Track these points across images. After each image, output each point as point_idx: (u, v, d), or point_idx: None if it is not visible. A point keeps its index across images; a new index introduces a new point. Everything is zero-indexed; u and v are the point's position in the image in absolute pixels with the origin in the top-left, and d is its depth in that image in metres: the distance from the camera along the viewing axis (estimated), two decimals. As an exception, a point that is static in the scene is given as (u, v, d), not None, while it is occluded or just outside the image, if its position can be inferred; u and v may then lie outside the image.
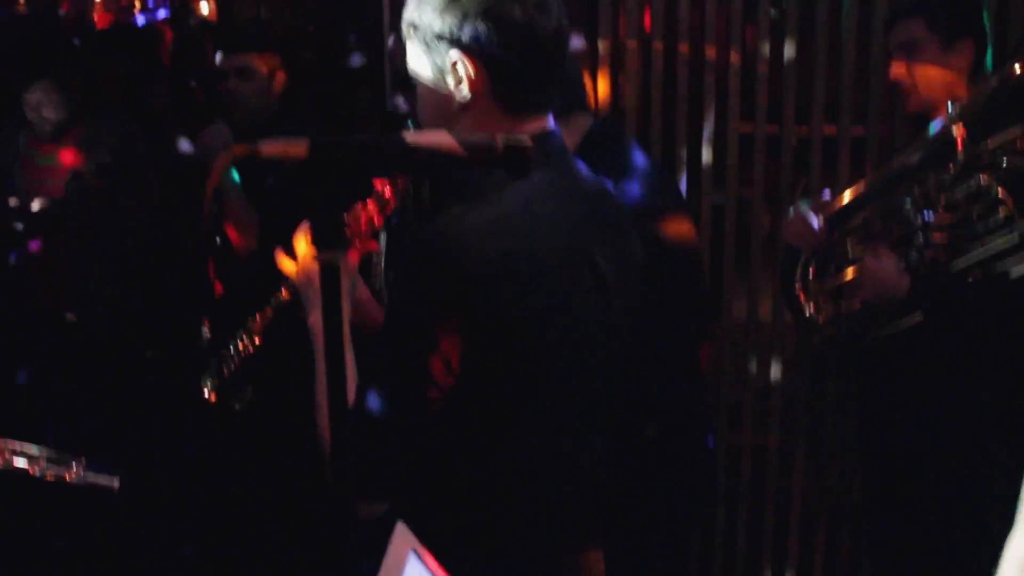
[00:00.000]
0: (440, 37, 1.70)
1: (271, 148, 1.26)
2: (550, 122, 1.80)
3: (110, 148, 4.24)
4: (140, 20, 12.53)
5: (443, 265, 1.60)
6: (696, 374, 2.62)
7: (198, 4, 11.88)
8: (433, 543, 1.39)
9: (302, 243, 1.98)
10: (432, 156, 1.29)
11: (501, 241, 1.62)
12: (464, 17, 1.68)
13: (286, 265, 2.01)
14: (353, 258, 2.00)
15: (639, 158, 2.53)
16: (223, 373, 2.26)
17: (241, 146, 1.26)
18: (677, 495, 2.58)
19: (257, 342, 2.21)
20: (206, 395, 2.29)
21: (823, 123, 3.91)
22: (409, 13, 1.76)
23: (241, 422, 2.51)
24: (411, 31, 1.76)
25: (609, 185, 1.93)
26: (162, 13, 12.60)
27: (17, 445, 1.52)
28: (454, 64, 1.71)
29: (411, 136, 1.34)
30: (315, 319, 1.92)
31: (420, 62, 1.76)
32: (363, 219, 1.99)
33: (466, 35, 1.68)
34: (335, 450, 1.69)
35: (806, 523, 4.19)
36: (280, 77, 3.87)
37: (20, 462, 1.50)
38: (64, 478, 1.53)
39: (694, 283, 2.60)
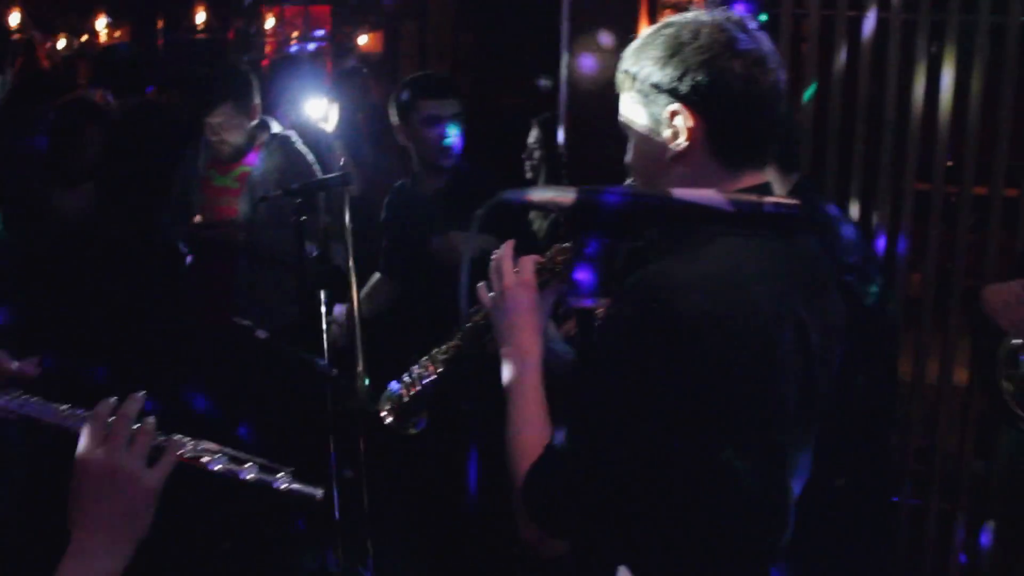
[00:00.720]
0: (659, 88, 1.69)
1: (540, 196, 1.27)
2: (766, 177, 1.78)
3: (278, 173, 4.36)
4: (294, 49, 13.03)
5: (652, 315, 1.58)
6: (887, 430, 2.56)
7: (356, 37, 12.27)
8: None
9: (499, 277, 1.99)
10: (698, 212, 1.28)
11: (710, 295, 1.59)
12: (685, 70, 1.67)
13: (482, 297, 2.02)
14: (549, 298, 2.00)
15: (835, 212, 2.50)
16: (402, 397, 2.28)
17: (511, 191, 1.28)
18: (861, 546, 2.52)
19: (440, 369, 2.23)
20: (383, 417, 2.31)
21: (1003, 184, 3.79)
22: (627, 63, 1.76)
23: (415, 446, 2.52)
24: (628, 81, 1.76)
25: (815, 244, 1.90)
26: (311, 46, 13.09)
27: (230, 450, 1.56)
28: (672, 115, 1.70)
29: (681, 192, 1.33)
30: (507, 354, 1.92)
31: (635, 111, 1.75)
32: (560, 259, 2.00)
33: (685, 87, 1.67)
34: (530, 484, 1.71)
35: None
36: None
37: (232, 466, 1.55)
38: (270, 485, 1.56)
39: (889, 340, 2.54)
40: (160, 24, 10.58)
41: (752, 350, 1.62)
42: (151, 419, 1.50)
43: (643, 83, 1.72)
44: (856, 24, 3.83)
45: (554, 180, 4.22)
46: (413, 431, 2.34)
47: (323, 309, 3.45)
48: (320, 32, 13.04)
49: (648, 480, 1.63)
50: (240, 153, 4.43)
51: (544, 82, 5.91)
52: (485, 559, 3.42)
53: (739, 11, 1.77)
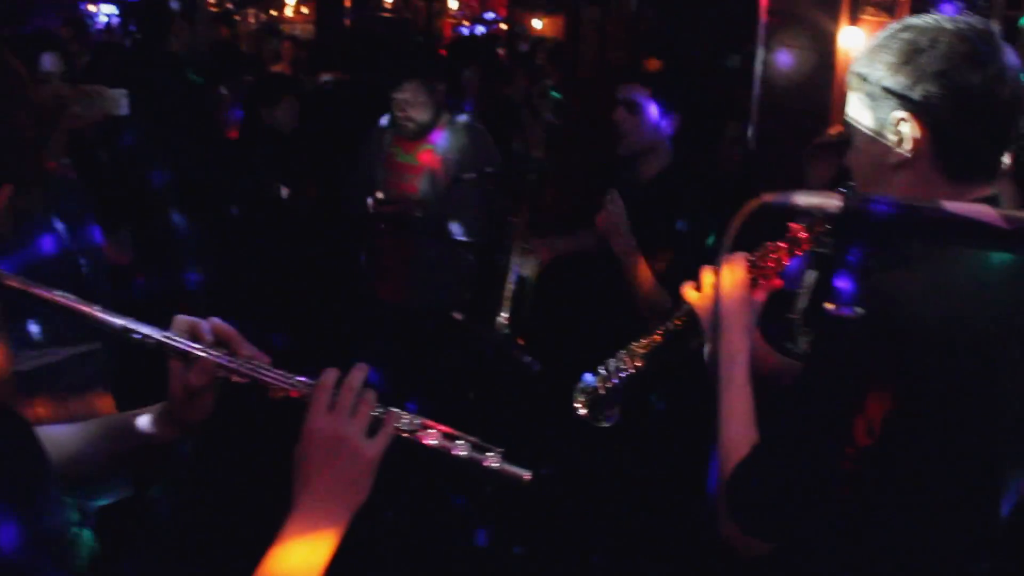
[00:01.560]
0: (889, 92, 1.67)
1: (805, 199, 1.27)
2: (992, 191, 1.72)
3: (462, 154, 4.44)
4: (464, 32, 13.18)
5: (881, 326, 1.57)
6: None
7: (529, 21, 12.33)
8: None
9: (710, 276, 1.99)
10: (971, 227, 1.25)
11: (941, 307, 1.56)
12: (919, 77, 1.63)
13: (690, 295, 2.03)
14: (758, 296, 1.99)
15: None
16: (597, 390, 2.30)
17: (772, 194, 1.28)
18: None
19: (639, 364, 2.24)
20: (577, 408, 2.33)
21: None
22: (859, 64, 1.73)
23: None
24: (858, 81, 1.73)
25: None
26: (480, 29, 13.20)
27: (444, 427, 1.60)
28: (899, 122, 1.67)
29: (951, 204, 1.31)
30: (718, 349, 1.93)
31: (862, 113, 1.73)
32: (771, 258, 1.99)
33: (917, 95, 1.64)
34: (736, 482, 1.71)
35: None
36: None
37: (446, 442, 1.58)
38: (481, 463, 1.59)
39: None
40: (348, 2, 10.84)
41: (975, 363, 1.58)
42: (372, 391, 1.55)
43: (873, 85, 1.69)
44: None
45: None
46: (604, 424, 2.35)
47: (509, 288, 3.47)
48: (490, 15, 13.14)
49: (856, 485, 1.62)
50: (424, 131, 4.50)
51: (732, 62, 5.81)
52: (677, 556, 3.42)
53: (972, 18, 1.72)
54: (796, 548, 1.72)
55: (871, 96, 1.70)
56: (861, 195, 1.26)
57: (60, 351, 2.82)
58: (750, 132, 4.12)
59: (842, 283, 1.27)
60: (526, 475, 1.61)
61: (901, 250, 1.63)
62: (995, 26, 1.70)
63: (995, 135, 1.68)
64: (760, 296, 1.97)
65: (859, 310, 1.38)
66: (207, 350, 1.57)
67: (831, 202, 1.25)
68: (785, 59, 3.89)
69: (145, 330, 1.56)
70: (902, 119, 1.66)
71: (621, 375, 2.25)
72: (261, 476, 1.71)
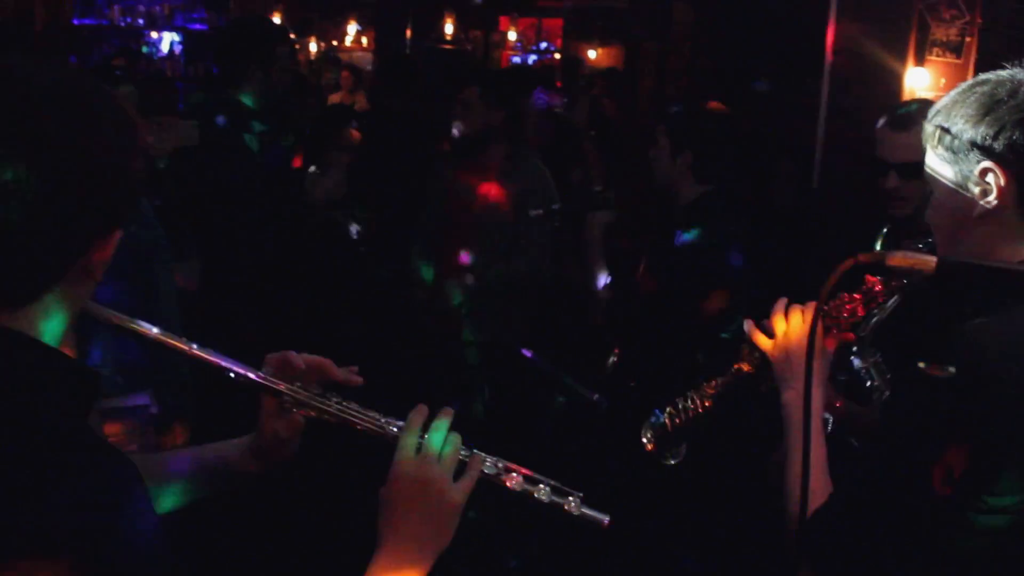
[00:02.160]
0: (972, 145, 1.68)
1: (899, 260, 1.29)
2: None
3: (526, 181, 4.46)
4: (517, 60, 13.27)
5: (966, 382, 1.57)
6: None
7: (586, 51, 12.40)
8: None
9: (782, 321, 2.01)
10: None
11: (1022, 357, 1.58)
12: (1000, 127, 1.65)
13: (761, 340, 2.04)
14: (830, 345, 2.01)
15: None
16: (666, 427, 2.31)
17: (868, 255, 1.30)
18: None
19: (707, 404, 2.25)
20: (645, 444, 2.35)
21: None
22: (938, 118, 1.75)
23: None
24: (940, 135, 1.75)
25: None
26: (532, 59, 13.28)
27: (525, 470, 1.62)
28: (983, 173, 1.68)
29: None
30: (790, 397, 1.94)
31: (943, 167, 1.75)
32: (847, 309, 2.00)
33: (1000, 145, 1.65)
34: (814, 528, 1.72)
35: None
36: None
37: (528, 486, 1.60)
38: (562, 507, 1.61)
39: None
40: (408, 33, 10.96)
41: None
42: (458, 435, 1.57)
43: (954, 139, 1.70)
44: None
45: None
46: (671, 462, 2.37)
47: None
48: (543, 45, 13.22)
49: (932, 540, 1.62)
50: (480, 149, 4.47)
51: (760, 85, 5.80)
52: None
53: None
54: None
55: (952, 150, 1.71)
56: (954, 258, 1.27)
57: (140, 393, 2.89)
58: (815, 169, 4.13)
59: (936, 343, 1.28)
60: (605, 520, 1.62)
61: (982, 308, 1.64)
62: None
63: None
64: (831, 345, 1.99)
65: (951, 370, 1.39)
66: (299, 390, 1.61)
67: (927, 263, 1.26)
68: (851, 98, 3.90)
69: (240, 369, 1.61)
70: (987, 170, 1.67)
71: (690, 414, 2.28)
72: (344, 511, 1.74)
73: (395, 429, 1.58)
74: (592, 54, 12.43)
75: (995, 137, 1.65)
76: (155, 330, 1.58)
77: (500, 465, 1.60)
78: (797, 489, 1.80)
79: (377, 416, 1.61)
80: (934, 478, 1.57)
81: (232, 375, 1.60)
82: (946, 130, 1.72)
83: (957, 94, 1.74)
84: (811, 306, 1.97)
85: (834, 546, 1.70)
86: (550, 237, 4.34)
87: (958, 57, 3.82)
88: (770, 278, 3.34)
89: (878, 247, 2.89)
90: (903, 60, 3.87)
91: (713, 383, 2.27)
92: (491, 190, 4.50)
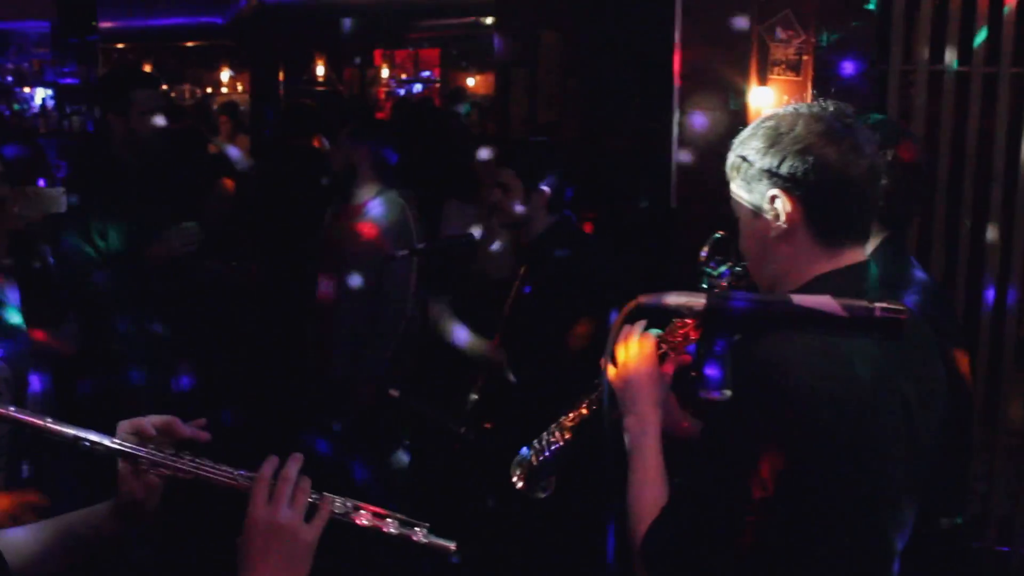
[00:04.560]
0: (763, 172, 1.85)
1: (674, 299, 1.41)
2: (865, 252, 1.90)
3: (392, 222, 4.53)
4: (402, 92, 13.37)
5: (766, 391, 1.71)
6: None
7: (464, 79, 12.57)
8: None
9: (623, 350, 2.13)
10: (815, 316, 1.40)
11: (819, 371, 1.71)
12: (783, 157, 1.82)
13: (608, 369, 2.16)
14: (668, 369, 2.13)
15: (920, 274, 2.58)
16: (532, 462, 2.41)
17: (647, 295, 1.43)
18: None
19: (568, 437, 2.35)
20: (515, 481, 2.44)
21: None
22: (735, 150, 1.92)
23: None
24: (740, 164, 1.91)
25: (912, 307, 1.99)
26: (418, 87, 13.40)
27: (372, 506, 1.73)
28: (773, 198, 1.85)
29: (798, 298, 1.46)
30: (629, 423, 2.06)
31: (743, 194, 1.91)
32: (679, 333, 2.13)
33: (783, 172, 1.82)
34: (650, 542, 1.85)
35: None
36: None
37: (376, 521, 1.71)
38: (410, 538, 1.72)
39: (965, 412, 2.60)
40: (281, 76, 10.98)
41: (856, 421, 1.73)
42: (307, 478, 1.67)
43: (749, 168, 1.87)
44: (964, 79, 3.90)
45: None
46: (541, 495, 2.46)
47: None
48: (427, 73, 13.37)
49: (756, 546, 1.76)
50: (360, 195, 4.55)
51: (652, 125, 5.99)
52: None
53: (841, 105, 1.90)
54: None
55: (747, 179, 1.88)
56: (722, 294, 1.41)
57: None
58: (672, 190, 4.29)
59: (710, 371, 1.41)
60: (451, 546, 1.74)
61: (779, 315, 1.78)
62: (849, 109, 1.88)
63: (858, 202, 1.85)
64: (669, 369, 2.11)
65: (727, 393, 1.52)
66: (153, 452, 1.70)
67: (698, 301, 1.39)
68: (700, 120, 4.07)
69: (94, 438, 1.69)
70: (774, 196, 1.83)
71: (552, 448, 2.38)
72: (209, 562, 1.83)
73: (247, 480, 1.67)
74: (471, 81, 12.62)
75: (779, 166, 1.82)
76: (11, 408, 1.65)
77: (349, 504, 1.72)
78: (635, 507, 1.93)
79: (229, 469, 1.71)
80: (752, 487, 1.71)
81: (87, 444, 1.67)
82: (743, 159, 1.88)
83: (752, 127, 1.92)
84: (648, 333, 2.09)
85: (668, 555, 1.83)
86: (413, 277, 4.41)
87: (797, 75, 4.04)
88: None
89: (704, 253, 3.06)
90: (747, 80, 4.06)
91: (571, 416, 2.38)
92: (365, 229, 4.57)
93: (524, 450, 2.40)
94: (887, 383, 1.80)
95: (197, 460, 1.72)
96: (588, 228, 5.62)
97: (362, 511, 1.72)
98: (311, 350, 4.67)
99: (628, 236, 4.88)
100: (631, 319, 1.43)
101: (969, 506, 3.78)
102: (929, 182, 3.90)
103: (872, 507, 1.80)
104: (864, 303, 1.41)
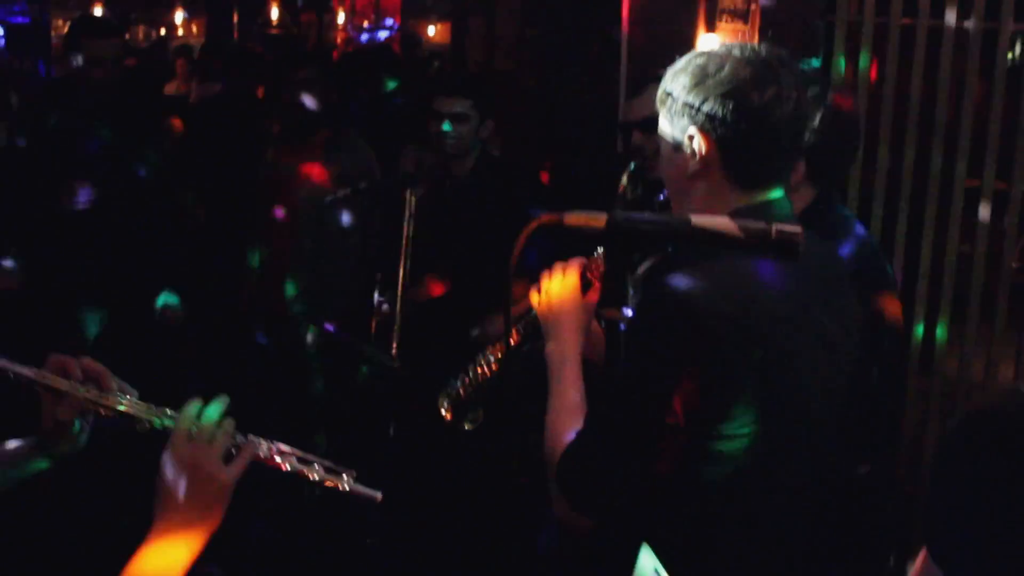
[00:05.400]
0: (685, 109, 1.87)
1: (574, 219, 1.43)
2: (780, 191, 1.92)
3: (349, 163, 4.54)
4: (365, 39, 13.26)
5: (677, 318, 1.75)
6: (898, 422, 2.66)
7: (425, 28, 12.48)
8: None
9: (547, 280, 2.16)
10: (713, 237, 1.42)
11: (732, 299, 1.75)
12: (705, 98, 1.83)
13: (533, 299, 2.19)
14: (592, 299, 2.16)
15: (859, 231, 2.62)
16: (460, 394, 2.44)
17: (549, 215, 1.44)
18: (875, 531, 2.65)
19: (495, 367, 2.38)
20: (442, 413, 2.47)
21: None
22: (666, 82, 1.93)
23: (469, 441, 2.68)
24: (665, 98, 1.93)
25: (833, 249, 2.03)
26: (382, 35, 13.29)
27: (299, 452, 1.74)
28: (691, 137, 1.87)
29: (696, 218, 1.48)
30: (551, 350, 2.10)
31: (666, 126, 1.93)
32: (596, 263, 2.16)
33: (704, 113, 1.84)
34: (565, 466, 1.88)
35: None
36: (489, 125, 4.03)
37: (301, 466, 1.73)
38: (336, 486, 1.74)
39: (895, 354, 2.64)
40: (235, 18, 10.84)
41: (769, 349, 1.77)
42: (230, 420, 1.68)
43: (674, 103, 1.89)
44: (909, 32, 3.93)
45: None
46: (469, 427, 2.49)
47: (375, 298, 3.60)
48: (389, 21, 13.24)
49: (669, 472, 1.80)
50: (311, 128, 4.58)
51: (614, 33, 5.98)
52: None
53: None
54: (621, 521, 1.90)
55: (672, 112, 1.89)
56: (622, 213, 1.42)
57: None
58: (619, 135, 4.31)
59: (610, 288, 1.43)
60: (377, 495, 1.75)
61: (692, 254, 1.82)
62: (784, 54, 1.90)
63: (776, 148, 1.87)
64: (593, 298, 2.14)
65: (628, 312, 1.54)
66: (75, 387, 1.70)
67: (598, 220, 1.40)
68: (646, 68, 4.08)
69: (19, 369, 1.69)
70: (693, 134, 1.86)
71: (480, 379, 2.41)
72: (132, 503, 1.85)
73: (169, 419, 1.68)
74: (431, 30, 12.52)
75: (700, 106, 1.84)
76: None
77: (274, 448, 1.73)
78: (552, 433, 1.97)
79: (153, 407, 1.72)
80: (664, 411, 1.75)
81: (11, 376, 1.68)
82: (668, 94, 1.90)
83: (684, 62, 1.92)
84: (573, 263, 2.12)
85: (582, 477, 1.87)
86: (360, 217, 4.43)
87: (745, 23, 4.05)
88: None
89: (624, 182, 3.12)
90: (694, 28, 4.07)
91: (499, 346, 2.41)
92: (313, 171, 4.57)
93: (452, 381, 2.43)
94: (804, 316, 1.84)
95: (120, 396, 1.73)
96: (544, 177, 5.68)
97: (287, 455, 1.73)
98: (262, 289, 4.70)
99: (578, 183, 4.90)
100: (535, 239, 1.45)
101: (902, 453, 3.86)
102: (871, 134, 3.95)
103: (786, 434, 1.85)
104: (761, 225, 1.43)
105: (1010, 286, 3.98)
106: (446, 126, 3.90)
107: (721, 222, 1.42)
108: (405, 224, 3.44)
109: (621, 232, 1.42)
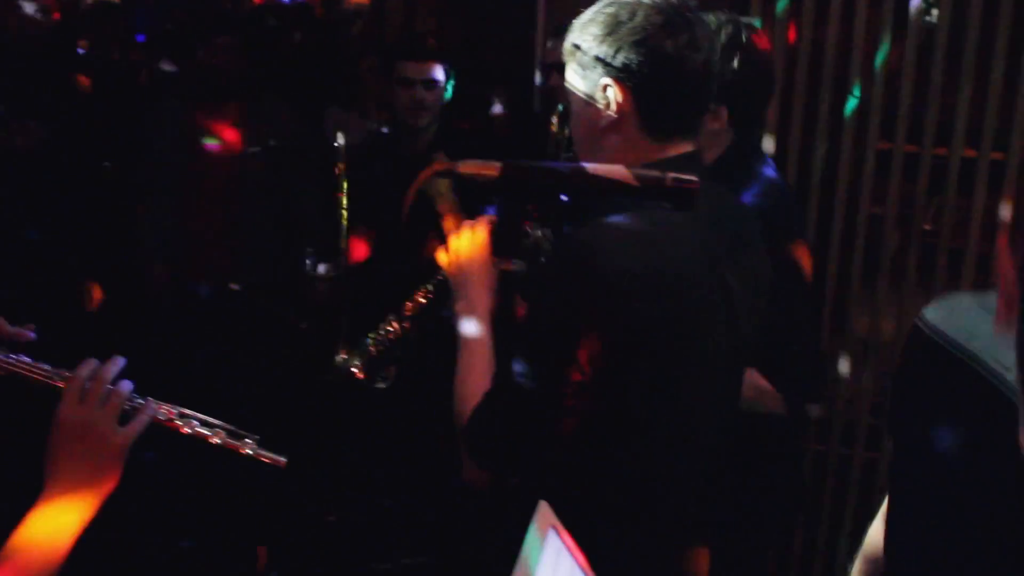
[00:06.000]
0: (596, 61, 1.84)
1: (467, 167, 1.40)
2: (694, 145, 1.91)
3: (271, 127, 4.47)
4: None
5: (580, 273, 1.74)
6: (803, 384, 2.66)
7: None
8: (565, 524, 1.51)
9: (456, 238, 2.13)
10: (608, 185, 1.40)
11: (635, 254, 1.74)
12: (619, 47, 1.81)
13: (440, 256, 2.16)
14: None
15: (767, 171, 2.60)
16: (371, 352, 2.41)
17: (442, 163, 1.41)
18: (774, 497, 2.67)
19: (406, 325, 2.36)
20: (354, 372, 2.44)
21: (963, 145, 3.92)
22: (573, 35, 1.91)
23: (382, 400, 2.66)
24: (573, 51, 1.90)
25: (741, 201, 2.02)
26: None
27: (201, 416, 1.70)
28: (604, 87, 1.84)
29: (591, 166, 1.46)
30: (460, 308, 2.07)
31: (576, 81, 1.90)
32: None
33: (617, 63, 1.82)
34: (472, 426, 1.86)
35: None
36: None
37: (203, 430, 1.68)
38: (238, 450, 1.70)
39: (805, 304, 2.64)
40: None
41: (674, 305, 1.76)
42: (126, 381, 1.63)
43: (584, 55, 1.86)
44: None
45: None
46: (381, 385, 2.47)
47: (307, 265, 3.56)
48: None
49: (578, 419, 1.78)
50: (225, 94, 4.52)
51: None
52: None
53: None
54: (530, 480, 1.88)
55: (582, 65, 1.86)
56: (515, 161, 1.40)
57: None
58: (534, 96, 4.28)
59: (503, 238, 1.41)
60: (282, 461, 1.72)
61: (597, 209, 1.80)
62: (693, 2, 1.87)
63: (691, 97, 1.86)
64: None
65: (518, 263, 1.52)
66: None
67: (491, 168, 1.37)
68: (559, 25, 4.03)
69: None
70: (607, 85, 1.83)
71: (391, 337, 2.38)
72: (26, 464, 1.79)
73: (62, 379, 1.63)
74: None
75: (614, 55, 1.81)
76: None
77: (175, 411, 1.68)
78: (460, 392, 1.94)
79: (47, 367, 1.66)
80: (567, 366, 1.73)
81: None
82: (577, 46, 1.87)
83: (592, 12, 1.90)
84: (481, 221, 2.09)
85: (489, 437, 1.85)
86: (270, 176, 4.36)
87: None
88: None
89: (554, 123, 3.09)
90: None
91: (409, 304, 2.38)
92: (229, 136, 4.50)
93: (364, 340, 2.41)
94: (707, 269, 1.83)
95: (14, 356, 1.67)
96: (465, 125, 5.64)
97: (188, 419, 1.69)
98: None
99: (497, 142, 4.86)
100: (431, 186, 1.41)
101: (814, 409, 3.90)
102: (785, 92, 3.96)
103: (692, 390, 1.84)
104: (656, 173, 1.41)
105: (921, 247, 4.04)
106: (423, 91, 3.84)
107: (616, 170, 1.39)
108: (343, 194, 3.35)
109: (514, 180, 1.38)
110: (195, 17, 5.97)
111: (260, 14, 9.00)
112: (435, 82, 3.86)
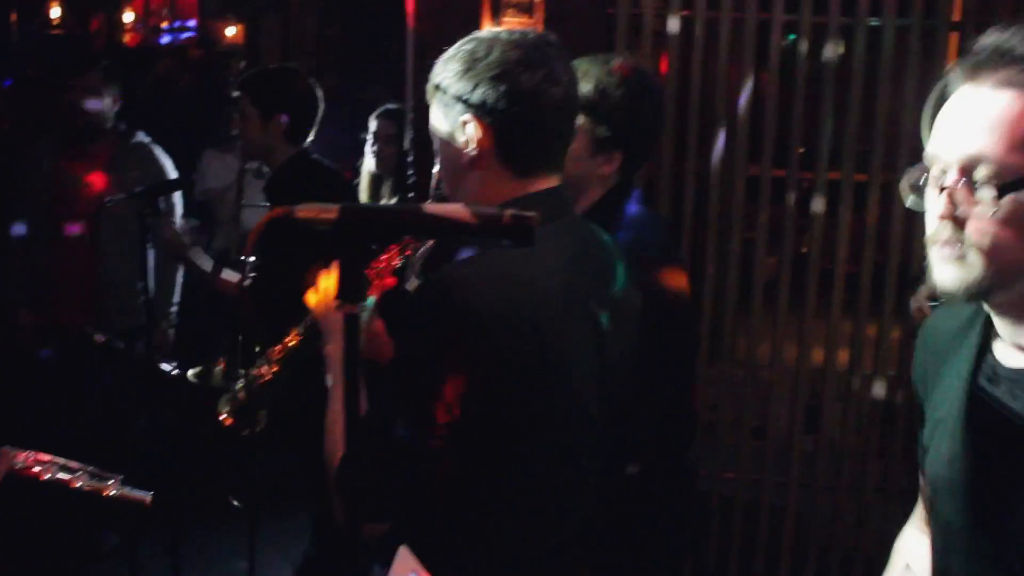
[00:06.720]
0: (456, 98, 1.83)
1: (305, 212, 1.37)
2: (556, 180, 1.90)
3: (137, 170, 4.38)
4: (165, 40, 12.85)
5: (445, 312, 1.71)
6: (686, 414, 2.67)
7: (223, 28, 12.12)
8: (432, 568, 1.49)
9: (324, 280, 2.09)
10: (447, 224, 1.38)
11: (501, 291, 1.72)
12: (476, 83, 1.80)
13: (309, 298, 2.12)
14: (372, 295, 2.11)
15: (636, 209, 2.60)
16: (239, 397, 2.36)
17: (279, 208, 1.38)
18: (662, 530, 2.66)
19: (275, 369, 2.31)
20: (222, 417, 2.38)
21: (827, 168, 4.04)
22: (434, 75, 1.89)
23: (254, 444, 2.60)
24: (434, 90, 1.89)
25: (608, 236, 2.03)
26: (184, 35, 12.89)
27: (61, 460, 1.64)
28: (464, 124, 1.83)
29: (430, 206, 1.44)
30: (331, 349, 2.04)
31: (439, 120, 1.89)
32: (383, 260, 2.11)
33: (475, 98, 1.80)
34: (340, 473, 1.81)
35: (798, 562, 4.29)
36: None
37: (63, 475, 1.63)
38: (101, 492, 1.65)
39: (685, 328, 2.65)
40: (14, 18, 10.31)
41: (541, 343, 1.75)
42: None
43: (443, 94, 1.84)
44: (689, 22, 4.02)
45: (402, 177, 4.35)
46: (250, 432, 2.41)
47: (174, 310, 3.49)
48: (192, 23, 12.84)
49: (436, 469, 1.75)
50: (90, 137, 4.43)
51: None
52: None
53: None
54: (406, 526, 1.84)
55: (443, 103, 1.85)
56: (353, 204, 1.38)
57: None
58: (406, 128, 4.29)
59: (345, 282, 1.39)
60: (147, 498, 1.66)
61: (461, 249, 1.78)
62: (552, 37, 1.88)
63: (551, 131, 1.85)
64: (374, 294, 2.09)
65: (363, 306, 1.49)
66: None
67: (329, 212, 1.35)
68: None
69: None
70: (466, 121, 1.81)
71: (260, 382, 2.33)
72: None
73: None
74: (231, 31, 12.18)
75: (472, 91, 1.80)
76: None
77: (32, 459, 1.61)
78: (330, 439, 1.90)
79: None
80: (435, 408, 1.70)
81: None
82: (437, 86, 1.85)
83: (453, 50, 1.88)
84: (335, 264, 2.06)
85: (356, 485, 1.80)
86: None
87: (530, 17, 4.07)
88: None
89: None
90: (478, 23, 4.06)
91: (278, 348, 2.33)
92: (97, 180, 4.41)
93: (232, 386, 2.36)
94: (575, 306, 1.82)
95: None
96: (348, 176, 5.60)
97: (47, 464, 1.63)
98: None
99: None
100: (268, 234, 1.39)
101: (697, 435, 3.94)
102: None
103: (561, 429, 1.83)
104: (494, 210, 1.41)
105: (792, 271, 4.14)
106: None
107: (453, 209, 1.38)
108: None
109: (353, 224, 1.36)
110: (61, 59, 5.86)
111: (134, 54, 8.88)
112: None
